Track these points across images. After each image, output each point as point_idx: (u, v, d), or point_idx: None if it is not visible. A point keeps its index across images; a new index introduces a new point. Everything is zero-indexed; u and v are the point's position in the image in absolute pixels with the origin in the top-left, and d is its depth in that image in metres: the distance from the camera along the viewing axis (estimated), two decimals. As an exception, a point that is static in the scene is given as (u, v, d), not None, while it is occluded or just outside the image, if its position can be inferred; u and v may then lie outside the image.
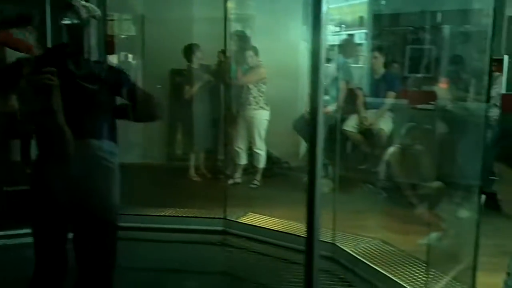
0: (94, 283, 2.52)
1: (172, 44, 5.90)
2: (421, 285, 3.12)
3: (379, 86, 5.85)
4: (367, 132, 5.58)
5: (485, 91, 4.95)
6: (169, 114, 6.22)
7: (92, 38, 2.55)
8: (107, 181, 2.52)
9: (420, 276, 3.23)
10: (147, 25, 6.35)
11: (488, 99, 2.67)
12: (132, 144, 5.65)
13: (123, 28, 6.59)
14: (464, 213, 3.08)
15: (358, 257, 3.67)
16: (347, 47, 6.14)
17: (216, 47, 5.78)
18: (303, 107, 5.87)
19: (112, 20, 5.75)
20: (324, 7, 1.69)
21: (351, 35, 7.36)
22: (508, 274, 1.60)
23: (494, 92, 5.06)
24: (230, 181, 5.55)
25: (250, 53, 5.69)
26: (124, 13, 6.36)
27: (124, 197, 4.63)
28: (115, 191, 2.56)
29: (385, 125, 5.54)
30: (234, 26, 5.79)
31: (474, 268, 2.61)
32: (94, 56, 2.62)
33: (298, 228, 4.23)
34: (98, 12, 2.61)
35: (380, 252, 3.77)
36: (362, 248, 3.83)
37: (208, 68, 6.05)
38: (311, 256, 1.87)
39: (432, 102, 5.34)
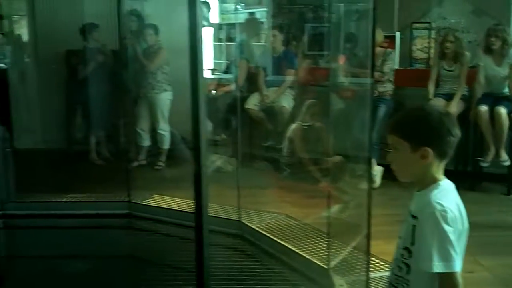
0: None
1: (65, 24, 5.66)
2: (324, 256, 3.23)
3: (279, 64, 5.94)
4: (269, 110, 5.66)
5: (377, 67, 5.19)
6: (66, 97, 6.00)
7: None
8: None
9: (323, 248, 3.35)
10: (37, 4, 6.02)
11: (372, 74, 2.79)
12: (29, 129, 5.41)
13: (13, 7, 6.22)
14: (365, 184, 3.22)
15: (264, 233, 3.74)
16: (249, 26, 6.17)
17: (111, 26, 5.61)
18: (205, 86, 5.85)
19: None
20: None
21: (251, 14, 7.40)
22: (400, 237, 1.69)
23: (387, 67, 5.31)
24: (135, 164, 5.45)
25: (149, 31, 5.57)
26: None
27: (24, 184, 4.50)
28: None
29: (286, 102, 5.65)
30: (130, 5, 5.62)
31: (368, 237, 2.74)
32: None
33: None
34: None
35: (285, 226, 3.86)
36: (267, 223, 3.91)
37: (105, 48, 5.84)
38: (200, 232, 1.88)
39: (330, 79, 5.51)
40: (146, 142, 5.72)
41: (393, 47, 5.68)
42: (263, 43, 6.84)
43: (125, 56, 5.45)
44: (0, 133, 4.43)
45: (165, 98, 5.57)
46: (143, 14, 5.89)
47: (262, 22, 7.09)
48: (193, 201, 1.89)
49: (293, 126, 5.16)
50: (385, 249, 3.00)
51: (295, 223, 3.93)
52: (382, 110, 4.99)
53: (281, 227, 3.86)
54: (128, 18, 5.39)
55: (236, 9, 7.51)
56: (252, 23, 6.34)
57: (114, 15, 5.26)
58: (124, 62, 5.52)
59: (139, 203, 4.49)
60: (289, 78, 5.75)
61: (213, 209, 4.23)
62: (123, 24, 5.18)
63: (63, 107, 6.03)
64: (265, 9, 7.44)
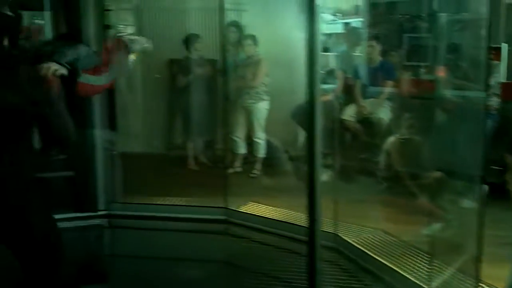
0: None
1: (168, 34, 5.89)
2: (425, 276, 3.14)
3: (377, 75, 5.85)
4: (365, 121, 5.59)
5: (483, 80, 4.99)
6: (168, 104, 6.24)
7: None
8: None
9: (423, 267, 3.26)
10: (144, 15, 6.31)
11: (486, 87, 2.68)
12: (132, 134, 5.66)
13: (120, 18, 6.54)
14: (467, 203, 3.10)
15: (360, 248, 3.69)
16: (351, 36, 6.11)
17: (211, 37, 5.80)
18: (301, 96, 5.88)
19: (109, 10, 5.70)
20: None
21: (347, 24, 7.34)
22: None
23: (493, 80, 5.08)
24: (230, 170, 5.55)
25: (248, 41, 5.68)
26: (121, 3, 6.30)
27: (126, 186, 4.73)
28: None
29: (383, 114, 5.55)
30: (229, 16, 5.75)
31: (478, 259, 2.63)
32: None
33: (297, 217, 4.27)
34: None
35: (382, 242, 3.79)
36: (364, 238, 3.86)
37: (206, 58, 6.03)
38: (313, 246, 1.88)
39: (431, 91, 5.35)
40: (242, 149, 5.82)
41: (499, 59, 5.44)
42: (360, 54, 6.77)
43: (225, 66, 5.59)
44: (108, 137, 4.68)
45: (262, 108, 5.65)
46: (242, 25, 6.01)
47: (362, 32, 7.01)
48: (303, 214, 1.90)
49: (391, 139, 5.06)
50: (492, 272, 2.87)
51: (392, 240, 3.84)
52: (488, 125, 4.78)
53: (378, 243, 3.80)
54: (228, 29, 5.52)
55: (332, 19, 7.47)
56: (353, 33, 6.28)
57: (215, 26, 5.45)
58: (223, 72, 5.67)
59: (235, 210, 4.58)
60: (387, 89, 5.65)
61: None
62: (224, 35, 5.33)
63: (164, 113, 6.27)
64: (361, 19, 7.36)
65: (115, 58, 3.37)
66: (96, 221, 4.57)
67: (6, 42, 2.28)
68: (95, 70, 3.35)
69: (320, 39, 2.25)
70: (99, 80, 3.28)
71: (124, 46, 3.32)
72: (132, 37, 3.11)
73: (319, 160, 1.69)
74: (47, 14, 5.15)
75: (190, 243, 4.42)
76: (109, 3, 5.34)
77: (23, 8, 4.89)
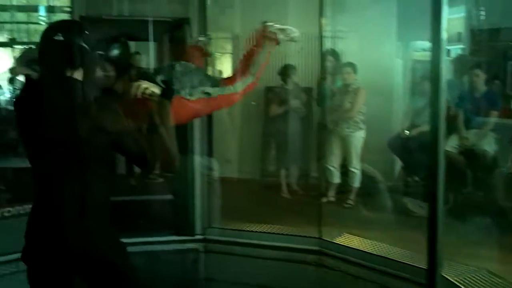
0: None
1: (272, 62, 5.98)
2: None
3: (481, 104, 5.60)
4: (468, 153, 5.33)
5: None
6: (262, 131, 6.30)
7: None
8: None
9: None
10: (241, 43, 6.45)
11: None
12: (229, 159, 5.76)
13: (219, 46, 6.74)
14: None
15: (464, 288, 3.49)
16: (457, 64, 5.91)
17: (308, 64, 5.81)
18: (398, 125, 5.74)
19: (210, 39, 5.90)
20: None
21: (447, 51, 7.10)
22: None
23: None
24: (324, 200, 5.49)
25: (347, 69, 5.63)
26: (220, 32, 6.48)
27: (220, 211, 4.79)
28: None
29: (488, 146, 5.28)
30: (327, 44, 5.75)
31: None
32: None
33: (395, 252, 4.11)
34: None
35: (488, 283, 3.56)
36: (467, 278, 3.64)
37: (301, 87, 6.05)
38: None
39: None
40: (336, 179, 5.74)
41: None
42: (463, 82, 6.52)
43: (321, 94, 5.58)
44: (206, 163, 4.78)
45: (359, 137, 5.57)
46: (339, 53, 5.98)
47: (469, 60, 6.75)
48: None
49: (497, 172, 4.79)
50: None
51: (498, 281, 3.59)
52: None
53: (482, 283, 3.57)
54: (325, 56, 5.52)
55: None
56: (460, 61, 6.06)
57: (312, 53, 5.46)
58: (319, 100, 5.66)
59: (329, 241, 4.48)
60: (492, 119, 5.38)
61: (408, 256, 4.04)
62: (322, 62, 5.33)
63: (258, 140, 6.33)
64: (462, 46, 7.10)
65: (258, 53, 3.12)
66: (193, 245, 4.65)
67: (80, 73, 2.23)
68: (231, 79, 3.23)
69: (445, 70, 2.20)
70: (236, 88, 3.13)
71: (272, 37, 3.07)
72: (281, 26, 2.94)
73: (441, 200, 1.61)
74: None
75: (283, 271, 4.38)
76: (210, 32, 5.51)
77: (129, 38, 5.16)
